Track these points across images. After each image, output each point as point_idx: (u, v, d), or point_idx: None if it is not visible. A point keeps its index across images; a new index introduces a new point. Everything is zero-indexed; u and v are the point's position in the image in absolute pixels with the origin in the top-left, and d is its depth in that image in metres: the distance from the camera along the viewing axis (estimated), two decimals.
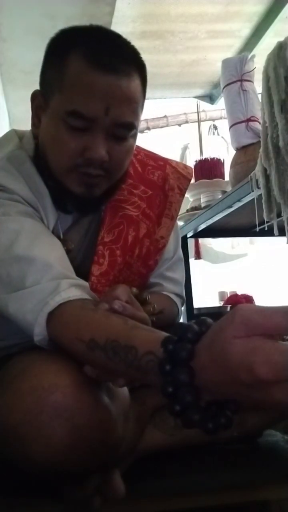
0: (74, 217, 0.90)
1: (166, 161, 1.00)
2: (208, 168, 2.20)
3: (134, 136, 0.83)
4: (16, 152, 0.86)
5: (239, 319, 0.43)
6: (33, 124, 0.85)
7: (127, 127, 0.79)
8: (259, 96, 1.36)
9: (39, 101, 0.83)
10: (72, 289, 0.68)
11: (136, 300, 0.76)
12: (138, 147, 0.97)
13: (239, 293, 2.76)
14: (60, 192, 0.83)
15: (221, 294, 2.96)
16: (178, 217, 1.32)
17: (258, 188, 1.31)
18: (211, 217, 1.79)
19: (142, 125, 4.10)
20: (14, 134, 0.91)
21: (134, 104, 0.78)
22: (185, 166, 1.03)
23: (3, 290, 0.72)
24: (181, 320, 2.16)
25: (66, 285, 0.68)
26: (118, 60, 0.76)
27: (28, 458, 0.62)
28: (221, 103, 3.82)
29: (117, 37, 0.79)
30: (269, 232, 1.38)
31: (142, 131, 4.10)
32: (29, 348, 0.72)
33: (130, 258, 0.93)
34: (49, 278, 0.69)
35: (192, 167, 2.39)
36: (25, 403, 0.62)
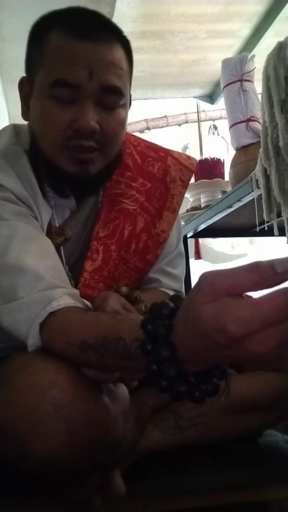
0: (71, 210, 0.89)
1: (167, 152, 0.97)
2: (208, 168, 2.20)
3: (125, 108, 0.80)
4: (11, 148, 0.84)
5: (205, 285, 0.44)
6: (23, 113, 0.83)
7: (114, 92, 0.76)
8: (259, 96, 1.36)
9: (26, 88, 0.81)
10: (65, 297, 0.68)
11: (129, 305, 0.76)
12: (138, 138, 0.95)
13: None
14: (56, 176, 0.80)
15: None
16: None
17: (258, 188, 1.31)
18: (211, 217, 1.79)
19: (142, 125, 4.10)
20: (11, 128, 0.88)
21: (119, 69, 0.75)
22: (188, 157, 1.01)
23: None
24: None
25: (59, 294, 0.68)
26: (97, 29, 0.74)
27: (26, 455, 0.62)
28: (221, 103, 3.81)
29: (95, 13, 0.77)
30: (269, 232, 1.38)
31: (142, 131, 4.10)
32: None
33: (125, 253, 0.91)
34: (39, 289, 0.68)
35: None
36: (24, 399, 0.62)
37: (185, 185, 0.96)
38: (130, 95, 0.84)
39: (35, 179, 0.82)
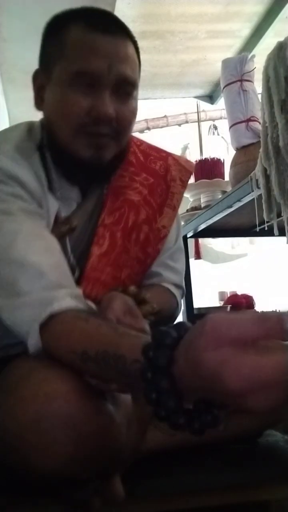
0: (77, 202, 0.90)
1: (168, 153, 1.01)
2: (208, 168, 2.20)
3: (136, 99, 0.85)
4: (24, 144, 0.85)
5: (209, 329, 0.43)
6: (36, 104, 0.86)
7: (128, 83, 0.81)
8: (259, 96, 1.36)
9: (40, 79, 0.84)
10: (67, 299, 0.67)
11: (135, 307, 0.76)
12: (141, 139, 0.98)
13: (239, 293, 2.76)
14: (69, 163, 0.83)
15: (221, 294, 2.96)
16: None
17: (258, 188, 1.31)
18: (211, 217, 1.79)
19: (142, 125, 4.09)
20: (25, 124, 0.90)
21: (133, 64, 0.82)
22: (187, 160, 1.05)
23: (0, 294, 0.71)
24: (180, 316, 2.17)
25: (61, 295, 0.67)
26: (113, 26, 0.80)
27: (31, 467, 0.61)
28: (221, 103, 3.81)
29: (109, 12, 0.84)
30: (269, 232, 1.38)
31: (142, 131, 4.10)
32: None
33: (128, 243, 0.92)
34: (40, 287, 0.68)
35: None
36: (27, 410, 0.61)
37: (184, 185, 0.98)
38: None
39: (44, 173, 0.84)
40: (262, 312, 0.42)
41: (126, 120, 0.82)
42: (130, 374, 0.55)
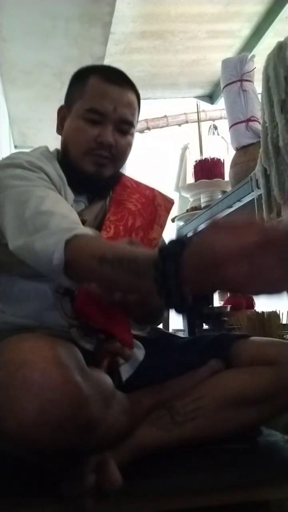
0: (86, 203, 1.09)
1: (153, 188, 1.19)
2: (208, 168, 2.20)
3: (133, 136, 1.09)
4: (46, 154, 1.09)
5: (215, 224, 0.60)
6: (57, 129, 1.12)
7: (128, 124, 1.05)
8: (259, 96, 1.36)
9: (63, 112, 1.10)
10: (87, 229, 0.85)
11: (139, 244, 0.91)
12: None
13: None
14: (77, 176, 1.05)
15: (221, 294, 2.95)
16: (178, 217, 1.62)
17: (258, 188, 1.31)
18: (211, 217, 1.79)
19: (142, 125, 4.09)
20: (45, 146, 1.13)
21: (133, 109, 1.06)
22: (167, 195, 1.22)
23: (30, 235, 0.84)
24: (180, 322, 2.17)
25: (81, 227, 0.84)
26: (122, 80, 1.06)
27: (2, 431, 0.67)
28: (221, 103, 3.81)
29: (119, 70, 1.09)
30: None
31: (142, 131, 4.10)
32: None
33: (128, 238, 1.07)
34: (67, 222, 0.84)
35: (192, 167, 2.39)
36: None
37: (168, 212, 1.17)
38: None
39: (63, 173, 1.05)
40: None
41: (122, 148, 1.06)
42: (139, 273, 0.67)
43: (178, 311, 0.63)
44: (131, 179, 1.17)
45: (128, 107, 1.04)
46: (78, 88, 1.07)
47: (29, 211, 0.87)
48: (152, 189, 1.17)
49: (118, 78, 1.06)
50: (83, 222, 1.00)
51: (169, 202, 1.18)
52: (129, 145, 1.08)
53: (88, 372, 0.77)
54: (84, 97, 1.04)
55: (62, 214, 0.86)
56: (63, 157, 1.08)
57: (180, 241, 0.63)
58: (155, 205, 1.15)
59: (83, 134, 1.03)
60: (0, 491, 0.78)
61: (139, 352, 1.01)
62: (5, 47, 2.77)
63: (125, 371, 0.97)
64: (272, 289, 0.56)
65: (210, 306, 0.67)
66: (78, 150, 1.04)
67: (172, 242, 0.64)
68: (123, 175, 1.15)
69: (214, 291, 0.67)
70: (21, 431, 0.66)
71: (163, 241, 1.15)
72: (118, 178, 1.12)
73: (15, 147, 4.10)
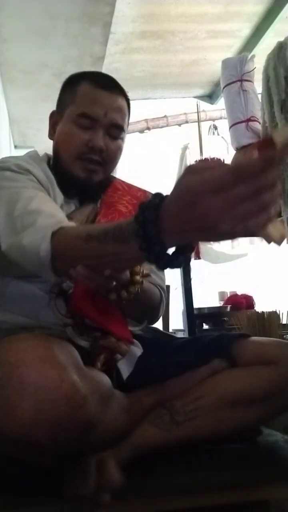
0: (75, 206, 1.10)
1: (145, 190, 1.20)
2: None
3: (123, 140, 1.11)
4: (35, 156, 1.11)
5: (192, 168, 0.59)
6: (49, 134, 1.14)
7: (118, 128, 1.07)
8: (259, 96, 1.36)
9: (55, 117, 1.11)
10: (72, 224, 0.85)
11: None
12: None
13: (239, 293, 2.76)
14: (68, 180, 1.06)
15: (221, 294, 2.96)
16: None
17: None
18: None
19: (142, 125, 4.09)
20: (34, 150, 1.15)
21: (123, 114, 1.08)
22: None
23: (18, 234, 0.85)
24: (180, 322, 2.17)
25: (68, 223, 0.85)
26: (113, 86, 1.08)
27: (0, 431, 0.67)
28: (221, 103, 3.82)
29: (110, 76, 1.13)
30: None
31: (142, 131, 4.10)
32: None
33: None
34: (53, 221, 0.84)
35: None
36: None
37: None
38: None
39: (52, 175, 1.06)
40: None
41: (112, 152, 1.07)
42: (125, 238, 0.67)
43: (159, 262, 0.64)
44: (123, 181, 1.18)
45: (118, 112, 1.06)
46: (69, 93, 1.09)
47: (18, 211, 0.88)
48: (144, 191, 1.18)
49: (108, 84, 1.08)
50: None
51: None
52: (119, 150, 1.10)
53: (86, 372, 0.78)
54: (75, 103, 1.06)
55: (49, 213, 0.87)
56: (55, 162, 1.09)
57: (159, 194, 0.64)
58: None
59: (74, 139, 1.04)
60: (0, 491, 0.78)
61: (136, 349, 1.01)
62: (5, 47, 2.77)
63: (125, 369, 0.97)
64: (249, 225, 0.56)
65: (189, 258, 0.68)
66: (69, 154, 1.06)
67: (152, 195, 0.65)
68: (114, 178, 1.16)
69: (194, 239, 0.68)
70: (19, 431, 0.67)
71: None
72: (108, 182, 1.13)
73: (15, 147, 4.10)
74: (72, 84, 1.10)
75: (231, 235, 0.57)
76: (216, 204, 0.55)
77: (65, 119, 1.08)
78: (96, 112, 1.04)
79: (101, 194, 1.12)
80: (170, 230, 0.61)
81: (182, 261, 0.66)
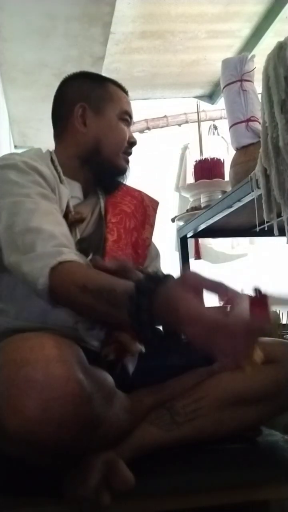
0: (81, 198, 1.13)
1: (139, 190, 1.26)
2: (208, 168, 2.20)
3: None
4: (39, 152, 1.13)
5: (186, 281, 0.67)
6: (77, 123, 1.12)
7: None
8: (259, 96, 1.36)
9: (86, 109, 1.12)
10: (72, 255, 0.84)
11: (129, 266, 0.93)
12: None
13: None
14: (106, 170, 1.13)
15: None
16: (178, 217, 1.67)
17: (258, 188, 1.31)
18: (211, 217, 1.78)
19: (142, 125, 4.09)
20: (38, 148, 1.16)
21: None
22: (151, 196, 1.29)
23: (19, 254, 0.86)
24: None
25: (67, 251, 0.84)
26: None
27: (3, 431, 0.67)
28: (221, 103, 3.81)
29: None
30: (269, 232, 1.38)
31: (142, 131, 4.10)
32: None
33: (128, 240, 1.15)
34: (53, 245, 0.85)
35: (192, 167, 2.39)
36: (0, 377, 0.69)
37: (155, 212, 1.24)
38: None
39: (55, 172, 1.08)
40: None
41: None
42: (117, 304, 0.71)
43: (148, 343, 0.71)
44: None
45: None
46: (101, 91, 1.14)
47: (19, 227, 0.88)
48: (139, 191, 1.24)
49: (124, 88, 1.19)
50: (82, 220, 1.06)
51: (155, 203, 1.26)
52: None
53: (90, 370, 0.78)
54: (114, 100, 1.13)
55: (49, 233, 0.87)
56: (91, 154, 1.12)
57: (156, 278, 0.69)
58: (144, 206, 1.23)
59: (123, 134, 1.13)
60: (0, 491, 0.78)
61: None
62: (5, 47, 2.77)
63: (130, 366, 0.97)
64: (228, 355, 0.63)
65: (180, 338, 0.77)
66: (117, 147, 1.13)
67: (148, 278, 0.70)
68: None
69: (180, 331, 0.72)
70: (24, 429, 0.66)
71: (154, 245, 1.25)
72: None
73: (15, 147, 4.10)
74: (100, 82, 1.16)
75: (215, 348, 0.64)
76: (197, 333, 0.63)
77: (107, 115, 1.13)
78: (131, 111, 1.16)
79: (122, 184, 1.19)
80: (161, 318, 0.68)
81: (172, 342, 0.73)
